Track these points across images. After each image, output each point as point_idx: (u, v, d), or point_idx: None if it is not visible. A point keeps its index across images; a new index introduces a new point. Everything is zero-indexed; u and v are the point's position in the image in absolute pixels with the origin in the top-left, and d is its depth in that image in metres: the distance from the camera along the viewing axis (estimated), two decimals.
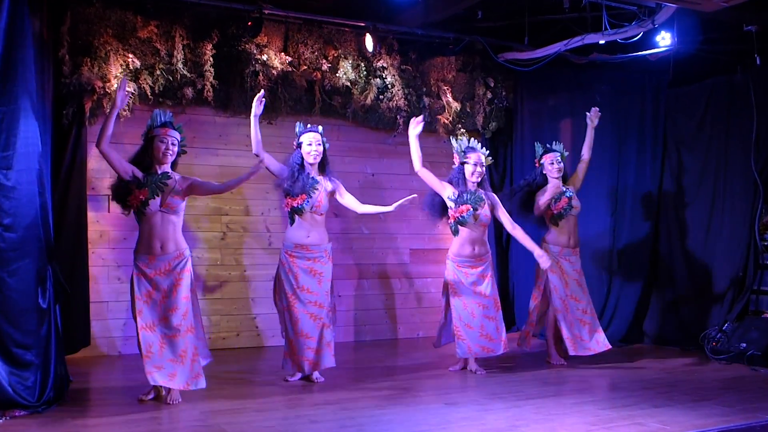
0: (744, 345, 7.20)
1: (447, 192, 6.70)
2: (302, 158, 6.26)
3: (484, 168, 6.71)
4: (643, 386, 6.21)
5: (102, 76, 6.99)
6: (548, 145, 7.32)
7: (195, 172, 6.00)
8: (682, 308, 8.26)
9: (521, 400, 5.68)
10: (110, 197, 5.72)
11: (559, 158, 7.21)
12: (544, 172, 7.23)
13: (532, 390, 6.07)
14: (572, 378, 6.65)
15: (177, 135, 5.65)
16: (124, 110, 7.06)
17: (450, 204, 6.66)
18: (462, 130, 8.74)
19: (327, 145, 6.39)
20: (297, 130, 6.41)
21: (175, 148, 5.63)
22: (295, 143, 6.39)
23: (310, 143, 6.26)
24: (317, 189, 6.23)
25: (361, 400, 5.66)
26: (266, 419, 5.09)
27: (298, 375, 6.25)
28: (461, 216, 6.59)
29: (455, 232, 6.71)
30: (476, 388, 6.14)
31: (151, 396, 5.56)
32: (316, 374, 6.28)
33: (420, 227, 8.93)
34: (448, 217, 6.72)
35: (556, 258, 7.14)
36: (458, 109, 8.76)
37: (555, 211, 7.14)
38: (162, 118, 5.65)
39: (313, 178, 6.24)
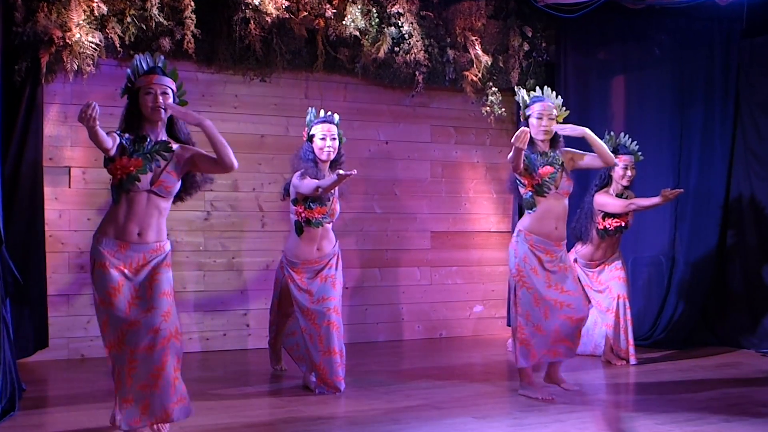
0: None
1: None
2: (314, 154, 6.19)
3: (553, 119, 6.15)
4: (710, 397, 6.15)
5: (61, 24, 6.93)
6: (623, 141, 7.39)
7: None
8: (758, 303, 8.22)
9: (564, 413, 5.63)
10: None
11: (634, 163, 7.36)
12: (612, 174, 7.36)
13: (576, 401, 6.03)
14: (624, 386, 6.65)
15: (169, 82, 4.85)
16: (89, 65, 7.03)
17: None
18: (493, 88, 8.64)
19: (344, 139, 6.35)
20: (308, 118, 6.34)
21: (169, 99, 4.81)
22: (305, 135, 6.32)
23: (324, 137, 6.18)
24: (332, 195, 6.25)
25: (374, 413, 5.64)
26: None
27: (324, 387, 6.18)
28: (543, 181, 5.99)
29: (532, 206, 6.09)
30: (510, 399, 6.11)
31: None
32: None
33: (443, 206, 8.91)
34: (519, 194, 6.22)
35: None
36: (489, 63, 8.69)
37: (610, 228, 7.38)
38: (146, 64, 4.85)
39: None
